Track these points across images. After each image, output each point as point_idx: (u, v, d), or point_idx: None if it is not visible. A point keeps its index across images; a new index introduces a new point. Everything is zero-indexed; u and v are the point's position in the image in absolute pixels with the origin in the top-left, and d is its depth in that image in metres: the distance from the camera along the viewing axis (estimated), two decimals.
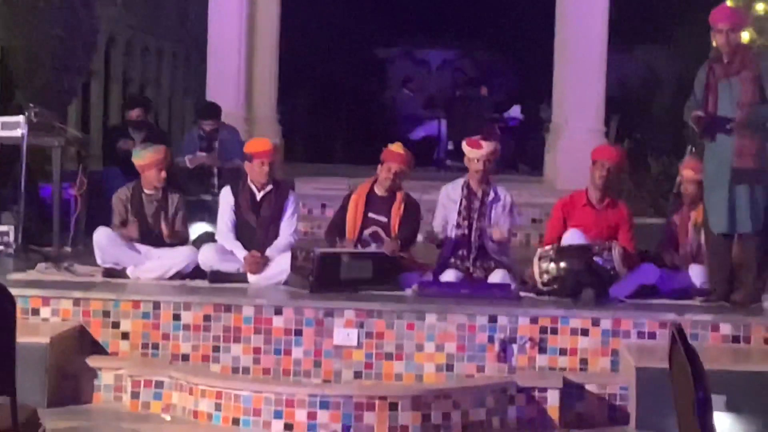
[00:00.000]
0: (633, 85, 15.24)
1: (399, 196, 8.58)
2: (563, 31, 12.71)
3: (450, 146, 16.20)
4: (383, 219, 8.54)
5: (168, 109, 15.57)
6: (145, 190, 8.57)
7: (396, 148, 8.64)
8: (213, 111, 10.98)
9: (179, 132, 14.41)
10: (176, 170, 9.55)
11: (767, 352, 7.31)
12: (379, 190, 8.61)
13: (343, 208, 8.66)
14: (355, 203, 8.59)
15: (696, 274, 8.26)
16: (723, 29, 7.74)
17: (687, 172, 8.62)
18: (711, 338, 7.42)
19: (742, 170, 7.67)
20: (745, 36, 9.34)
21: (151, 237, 8.46)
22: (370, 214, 8.55)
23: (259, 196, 8.54)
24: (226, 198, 8.58)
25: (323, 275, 7.88)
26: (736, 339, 7.43)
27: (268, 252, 8.36)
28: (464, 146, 8.68)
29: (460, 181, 8.64)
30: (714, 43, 8.04)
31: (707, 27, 7.94)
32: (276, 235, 8.46)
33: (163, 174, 8.52)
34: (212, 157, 10.63)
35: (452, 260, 8.43)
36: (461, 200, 8.53)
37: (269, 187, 8.54)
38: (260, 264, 8.30)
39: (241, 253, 8.34)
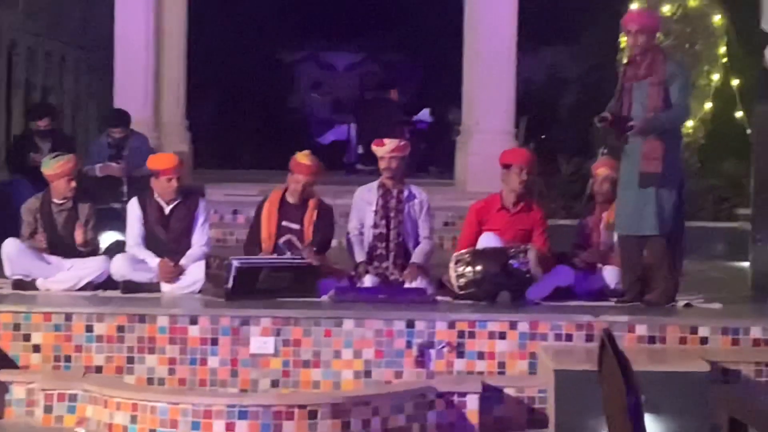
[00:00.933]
0: (539, 86, 15.29)
1: (311, 203, 8.51)
2: (472, 32, 12.70)
3: (360, 150, 16.13)
4: (296, 226, 8.46)
5: (72, 116, 15.29)
6: (55, 200, 8.41)
7: (302, 158, 8.54)
8: (122, 118, 10.81)
9: (84, 139, 14.15)
10: (85, 179, 9.37)
11: (683, 351, 7.38)
12: (290, 198, 8.53)
13: (258, 217, 8.57)
14: (267, 212, 8.50)
15: (610, 275, 8.33)
16: (631, 30, 7.86)
17: (602, 170, 8.68)
18: (627, 339, 7.46)
19: (648, 174, 7.75)
20: None
21: (62, 247, 8.31)
22: (284, 223, 8.46)
23: (167, 209, 8.42)
24: (133, 210, 8.45)
25: (239, 287, 7.80)
26: (651, 339, 7.50)
27: (183, 261, 8.25)
28: (372, 147, 8.75)
29: (375, 184, 8.64)
30: (623, 45, 8.13)
31: (612, 28, 8.04)
32: (188, 246, 8.37)
33: (73, 183, 8.37)
34: (121, 167, 10.46)
35: (370, 261, 8.40)
36: (377, 200, 8.50)
37: (177, 201, 8.42)
38: (174, 272, 8.19)
39: (153, 261, 8.24)
